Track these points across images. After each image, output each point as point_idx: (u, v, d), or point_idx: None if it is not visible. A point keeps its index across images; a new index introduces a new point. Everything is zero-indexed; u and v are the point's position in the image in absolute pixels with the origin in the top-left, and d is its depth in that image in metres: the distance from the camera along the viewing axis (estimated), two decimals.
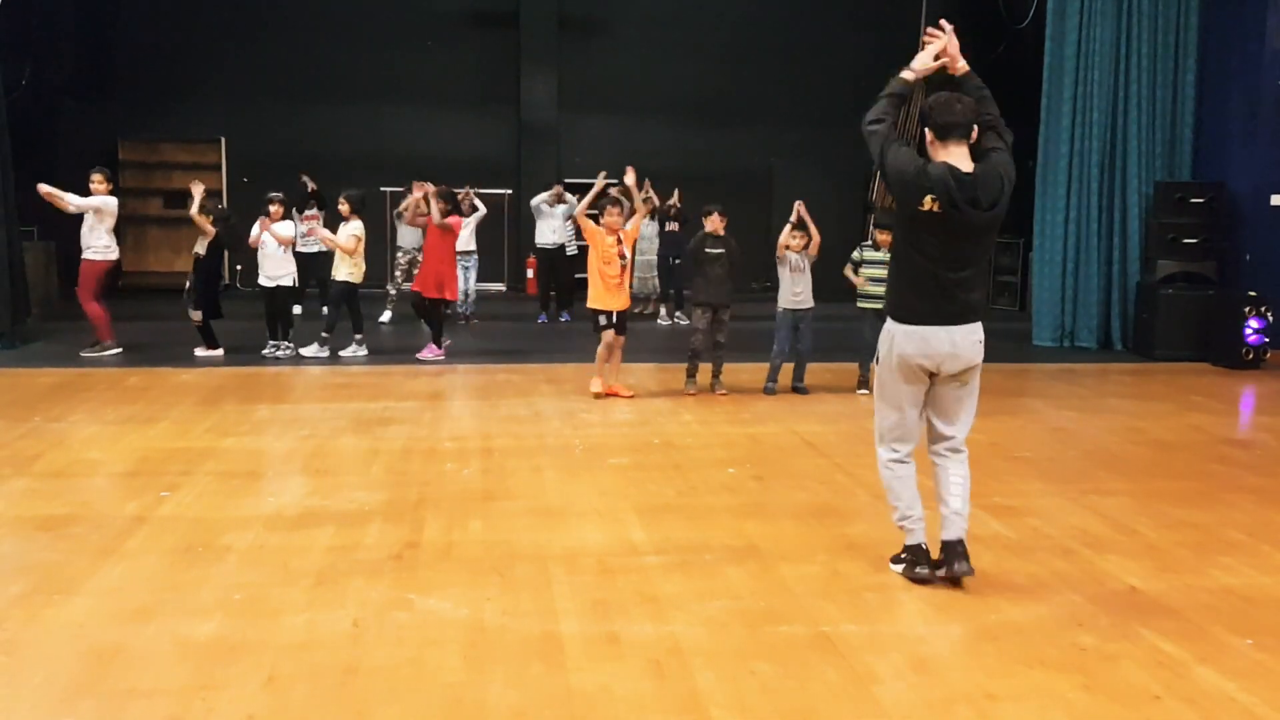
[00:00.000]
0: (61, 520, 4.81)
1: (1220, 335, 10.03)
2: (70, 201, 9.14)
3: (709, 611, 3.84)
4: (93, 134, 14.72)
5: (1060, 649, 3.57)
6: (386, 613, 3.79)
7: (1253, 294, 9.93)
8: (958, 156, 3.94)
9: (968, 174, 3.90)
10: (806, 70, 16.44)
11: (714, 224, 8.14)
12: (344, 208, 9.70)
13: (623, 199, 8.09)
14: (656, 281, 12.93)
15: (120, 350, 9.46)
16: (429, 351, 9.63)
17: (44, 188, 9.02)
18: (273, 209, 9.63)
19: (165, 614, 3.75)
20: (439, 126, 16.09)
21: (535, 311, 12.91)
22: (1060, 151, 11.10)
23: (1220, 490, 5.69)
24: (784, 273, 8.16)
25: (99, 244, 9.30)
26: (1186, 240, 10.50)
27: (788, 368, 8.28)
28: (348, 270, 9.69)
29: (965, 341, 4.04)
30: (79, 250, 9.43)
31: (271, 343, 9.67)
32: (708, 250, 8.10)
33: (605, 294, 7.85)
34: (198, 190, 9.52)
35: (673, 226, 12.56)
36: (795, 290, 8.12)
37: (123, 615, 3.73)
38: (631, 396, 7.93)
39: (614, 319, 7.88)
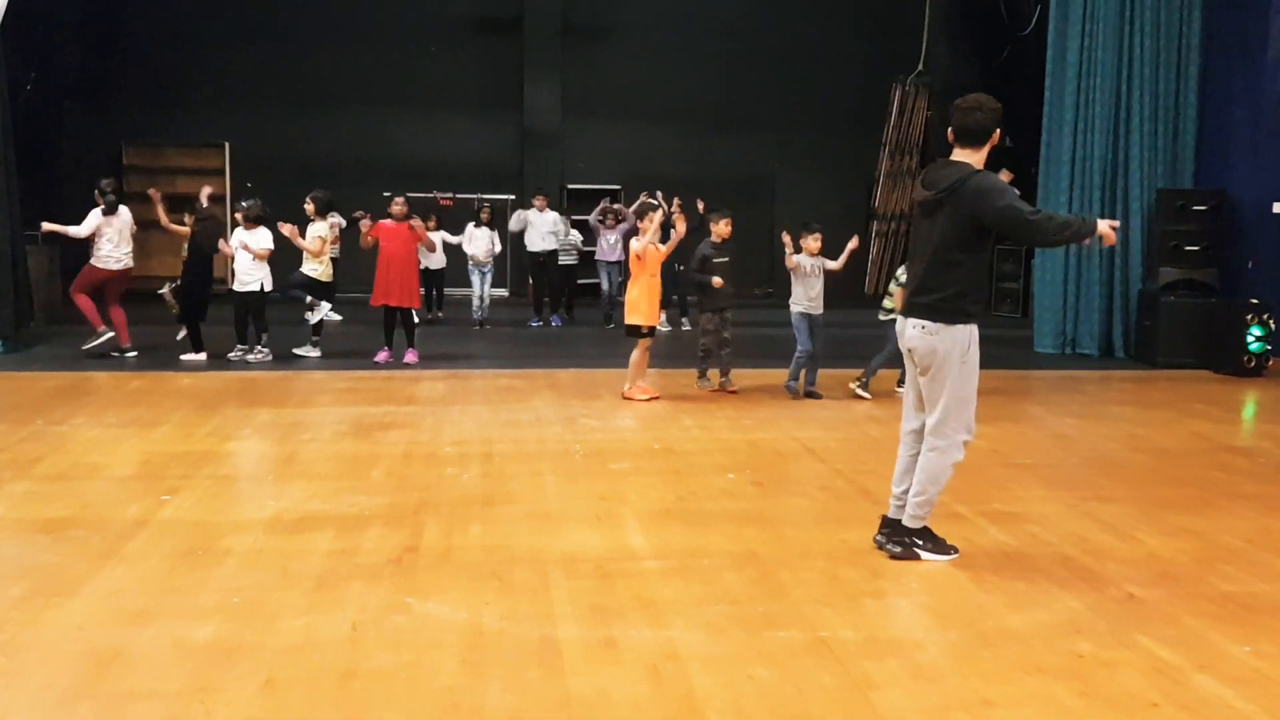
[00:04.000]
0: (62, 523, 4.82)
1: (1222, 343, 10.01)
2: (72, 232, 9.52)
3: (707, 616, 3.85)
4: (97, 139, 14.75)
5: (1058, 656, 3.57)
6: (385, 616, 3.80)
7: (1255, 301, 9.92)
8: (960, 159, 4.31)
9: (935, 163, 4.36)
10: (810, 76, 16.47)
11: (720, 231, 8.37)
12: (309, 208, 9.78)
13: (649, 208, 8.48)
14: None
15: (112, 335, 9.60)
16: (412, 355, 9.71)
17: (47, 226, 9.57)
18: (240, 219, 9.50)
19: (164, 617, 3.76)
20: (443, 132, 16.11)
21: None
22: (1062, 158, 11.09)
23: (1220, 498, 5.68)
24: (797, 277, 8.26)
25: (100, 253, 9.57)
26: (1188, 247, 10.48)
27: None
28: (312, 268, 9.78)
29: (911, 331, 4.41)
30: (84, 255, 9.76)
31: (239, 347, 9.57)
32: (714, 257, 8.31)
33: (653, 309, 8.16)
34: (156, 196, 9.92)
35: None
36: (810, 295, 8.27)
37: (122, 618, 3.75)
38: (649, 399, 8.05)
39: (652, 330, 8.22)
